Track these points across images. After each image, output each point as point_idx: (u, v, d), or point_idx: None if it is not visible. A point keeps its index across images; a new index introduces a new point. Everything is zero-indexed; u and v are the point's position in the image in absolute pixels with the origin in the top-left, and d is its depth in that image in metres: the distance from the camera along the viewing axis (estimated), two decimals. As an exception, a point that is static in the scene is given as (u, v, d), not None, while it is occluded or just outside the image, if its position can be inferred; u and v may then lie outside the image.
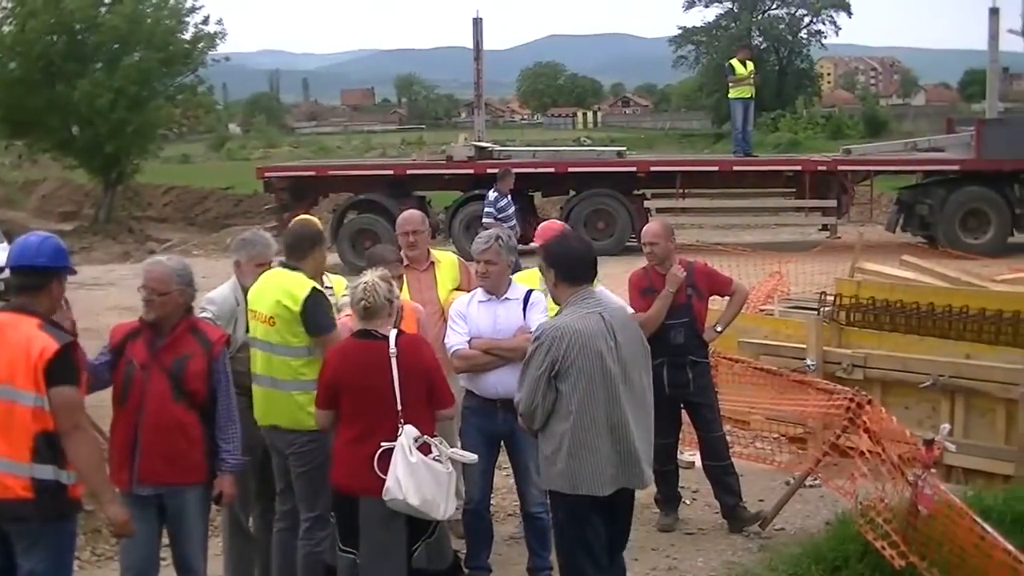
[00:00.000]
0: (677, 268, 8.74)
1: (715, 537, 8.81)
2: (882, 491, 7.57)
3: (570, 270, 6.39)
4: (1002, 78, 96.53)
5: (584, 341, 6.14)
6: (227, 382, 6.55)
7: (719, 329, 8.97)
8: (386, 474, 6.24)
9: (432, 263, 8.64)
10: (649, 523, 8.79)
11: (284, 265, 7.29)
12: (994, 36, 29.70)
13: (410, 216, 8.83)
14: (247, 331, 7.35)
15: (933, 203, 25.30)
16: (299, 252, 7.26)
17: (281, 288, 7.09)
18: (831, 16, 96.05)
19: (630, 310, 7.85)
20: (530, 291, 7.71)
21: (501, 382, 7.46)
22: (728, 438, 9.45)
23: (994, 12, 29.48)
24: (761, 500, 9.36)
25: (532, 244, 8.89)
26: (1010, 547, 6.60)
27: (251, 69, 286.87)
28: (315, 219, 8.21)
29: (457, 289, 8.50)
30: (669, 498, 9.03)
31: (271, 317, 7.05)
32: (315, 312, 6.98)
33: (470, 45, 30.19)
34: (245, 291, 7.45)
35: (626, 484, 6.33)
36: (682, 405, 8.90)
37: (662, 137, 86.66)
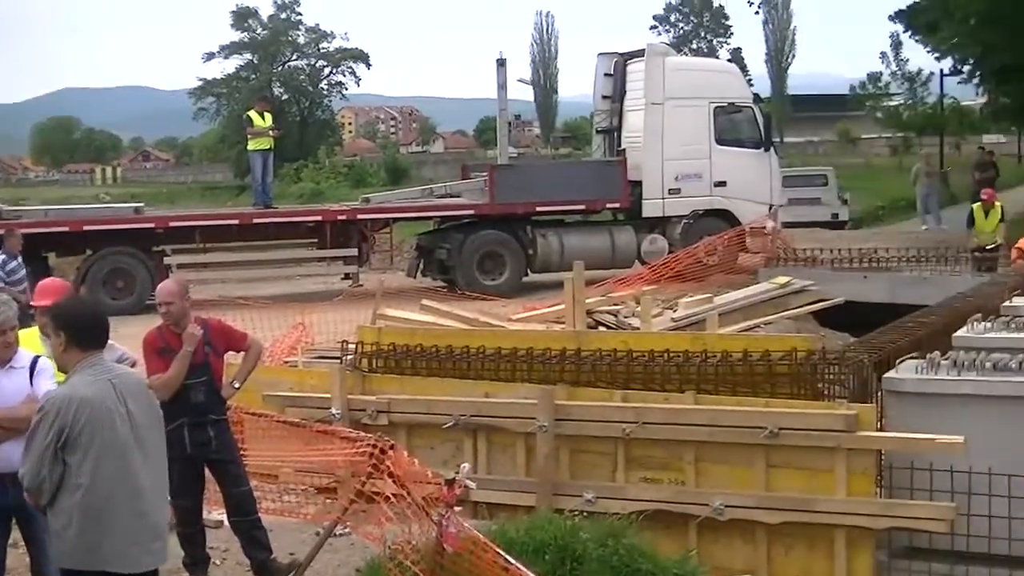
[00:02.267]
0: (193, 326, 8.54)
1: (249, 595, 8.65)
2: (409, 533, 7.65)
3: (82, 334, 6.06)
4: (514, 125, 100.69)
5: (94, 409, 5.83)
6: None
7: (236, 385, 8.84)
8: None
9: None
10: (178, 589, 8.52)
11: None
12: (503, 85, 30.93)
13: None
14: None
15: (451, 247, 26.01)
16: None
17: None
18: (351, 67, 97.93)
19: (141, 372, 7.60)
20: (36, 358, 7.32)
21: (7, 455, 7.02)
22: (256, 493, 9.30)
23: (502, 63, 30.70)
24: (292, 553, 9.23)
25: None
26: (531, 575, 6.81)
27: None
28: None
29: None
30: (198, 560, 8.78)
31: None
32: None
33: (-27, 101, 28.64)
34: None
35: (152, 564, 6.12)
36: (205, 464, 8.71)
37: (185, 191, 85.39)
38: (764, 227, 25.12)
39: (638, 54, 27.72)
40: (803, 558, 9.58)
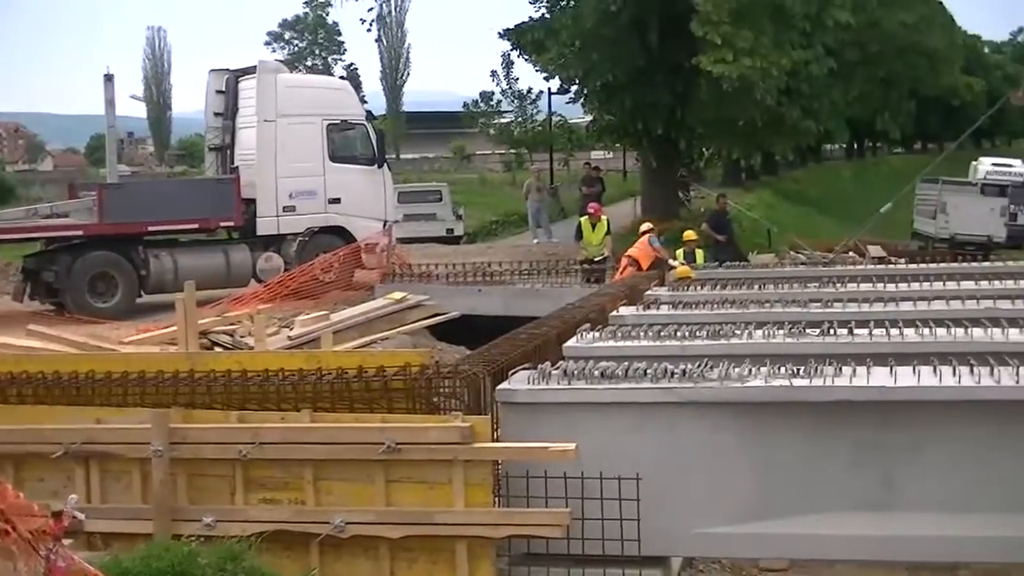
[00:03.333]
0: None
1: None
2: (15, 571, 7.28)
3: None
4: (127, 142, 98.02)
5: None
6: None
7: None
8: None
9: None
10: None
11: None
12: (111, 101, 30.15)
13: None
14: None
15: (59, 269, 25.05)
16: None
17: None
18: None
19: None
20: None
21: None
22: None
23: (109, 78, 29.89)
24: None
25: None
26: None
27: None
28: None
29: None
30: None
31: None
32: None
33: None
34: None
35: None
36: None
37: None
38: (378, 243, 25.41)
39: (250, 71, 27.57)
40: (426, 571, 9.64)
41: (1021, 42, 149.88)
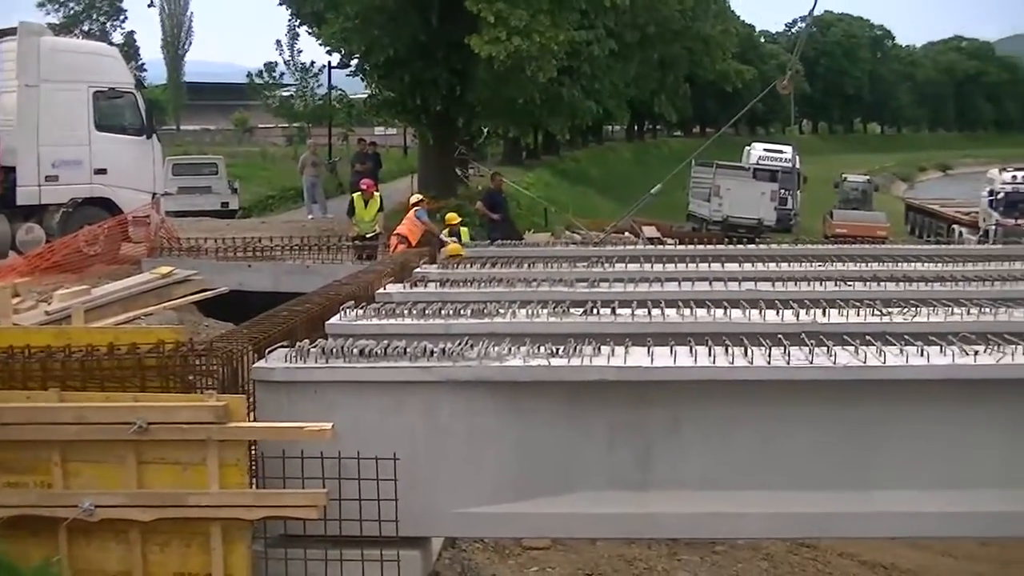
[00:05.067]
0: None
1: None
2: None
3: None
4: None
5: None
6: None
7: None
8: None
9: None
10: None
11: None
12: None
13: None
14: None
15: None
16: None
17: None
18: None
19: None
20: None
21: None
22: None
23: None
24: None
25: None
26: None
27: None
28: None
29: None
30: None
31: None
32: None
33: None
34: None
35: None
36: None
37: None
38: (147, 216, 24.79)
39: (10, 32, 26.43)
40: (179, 554, 9.36)
41: (795, 33, 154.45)
